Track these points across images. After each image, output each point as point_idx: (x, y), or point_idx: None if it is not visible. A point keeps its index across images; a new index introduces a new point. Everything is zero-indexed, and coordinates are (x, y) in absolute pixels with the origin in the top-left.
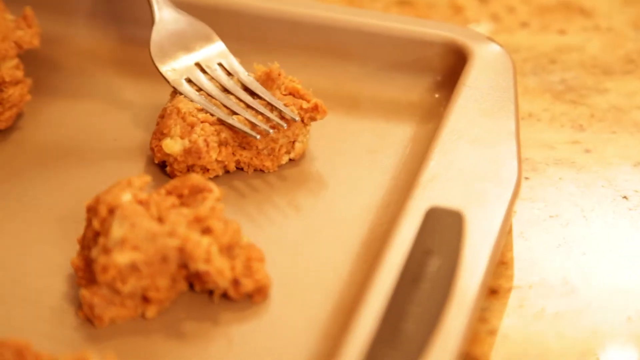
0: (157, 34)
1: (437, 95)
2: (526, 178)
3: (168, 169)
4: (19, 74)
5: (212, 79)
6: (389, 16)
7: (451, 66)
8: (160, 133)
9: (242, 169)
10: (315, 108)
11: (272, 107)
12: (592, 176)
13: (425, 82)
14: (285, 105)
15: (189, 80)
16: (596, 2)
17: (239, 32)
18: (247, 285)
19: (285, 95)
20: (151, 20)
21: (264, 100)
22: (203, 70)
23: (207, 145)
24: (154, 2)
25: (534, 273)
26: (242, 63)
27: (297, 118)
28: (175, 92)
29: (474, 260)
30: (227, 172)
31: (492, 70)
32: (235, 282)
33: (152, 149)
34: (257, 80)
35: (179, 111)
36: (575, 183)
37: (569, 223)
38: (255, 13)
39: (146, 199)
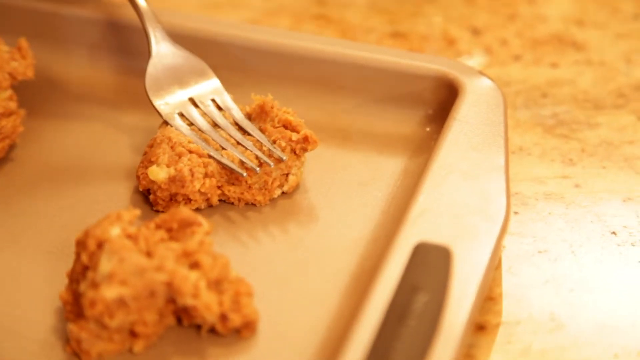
0: (154, 67)
1: (428, 129)
2: (515, 213)
3: (151, 197)
4: (12, 105)
5: (204, 114)
6: (381, 49)
7: (443, 100)
8: (148, 161)
9: (232, 203)
10: (306, 139)
11: (262, 145)
12: (582, 211)
13: (417, 115)
14: (275, 139)
15: (182, 115)
16: (588, 36)
17: (235, 63)
18: (235, 320)
19: (277, 127)
20: (148, 53)
21: (254, 137)
22: (196, 106)
23: (192, 175)
24: (151, 35)
25: (522, 309)
26: (239, 94)
27: (285, 157)
28: (167, 123)
29: (461, 297)
30: (210, 206)
31: (483, 105)
32: (223, 317)
33: (137, 177)
34: (252, 112)
35: (169, 140)
36: (565, 218)
37: (557, 258)
38: (251, 45)
39: (135, 233)
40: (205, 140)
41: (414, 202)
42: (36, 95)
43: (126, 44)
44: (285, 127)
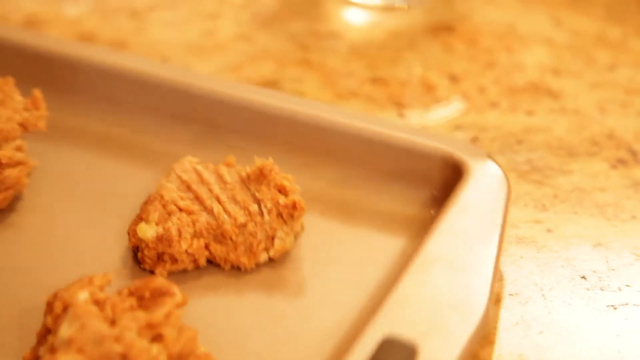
0: None
1: (432, 212)
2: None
3: (139, 254)
4: (20, 156)
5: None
6: (392, 124)
7: (449, 181)
8: (139, 218)
9: (219, 265)
10: (294, 205)
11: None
12: (553, 255)
13: (422, 196)
14: (262, 199)
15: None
16: (564, 85)
17: (242, 126)
18: None
19: (271, 190)
20: None
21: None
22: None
23: (180, 235)
24: None
25: (492, 350)
26: (243, 156)
27: (267, 217)
28: (165, 179)
29: None
30: (197, 267)
31: (486, 191)
32: None
33: (128, 233)
34: (251, 174)
35: (161, 198)
36: (536, 262)
37: (528, 301)
38: (260, 109)
39: (103, 298)
40: (195, 196)
41: (392, 290)
42: (47, 146)
43: (140, 99)
44: (280, 191)
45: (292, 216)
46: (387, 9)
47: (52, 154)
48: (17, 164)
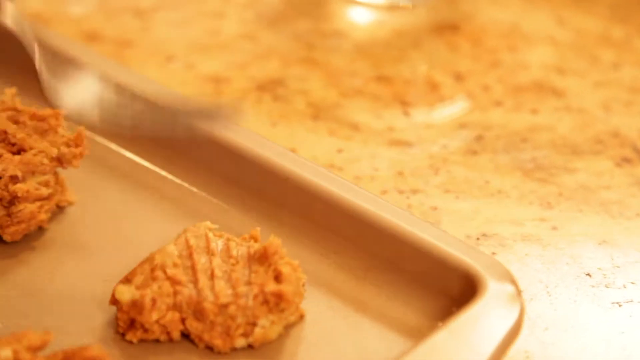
0: None
1: (440, 324)
2: (493, 253)
3: (116, 315)
4: (44, 191)
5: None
6: (425, 226)
7: (462, 297)
8: (125, 278)
9: (194, 342)
10: (280, 296)
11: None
12: (558, 253)
13: (434, 305)
14: (251, 282)
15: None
16: (568, 84)
17: (268, 195)
18: None
19: (268, 274)
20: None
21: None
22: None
23: (153, 305)
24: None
25: None
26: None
27: (250, 302)
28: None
29: None
30: (170, 340)
31: (489, 319)
32: None
33: (114, 289)
34: (256, 253)
35: (152, 261)
36: (541, 259)
37: (533, 298)
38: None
39: (27, 359)
40: (192, 265)
41: None
42: (86, 187)
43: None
44: (276, 277)
45: (278, 306)
46: (392, 8)
47: (96, 189)
48: (37, 199)
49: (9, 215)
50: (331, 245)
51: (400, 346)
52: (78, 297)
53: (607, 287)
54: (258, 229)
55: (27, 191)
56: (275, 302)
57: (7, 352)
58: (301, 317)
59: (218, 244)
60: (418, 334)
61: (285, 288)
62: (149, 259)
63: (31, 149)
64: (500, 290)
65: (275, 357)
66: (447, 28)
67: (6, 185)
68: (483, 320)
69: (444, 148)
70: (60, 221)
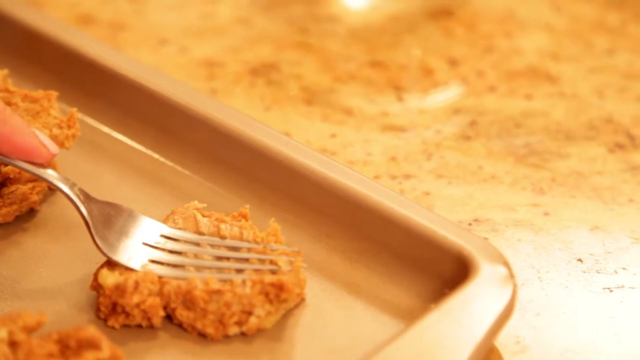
0: (96, 230)
1: (432, 305)
2: (485, 238)
3: (98, 300)
4: None
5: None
6: (420, 210)
7: (455, 280)
8: (108, 262)
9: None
10: (280, 287)
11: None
12: (550, 239)
13: (427, 287)
14: (252, 271)
15: (153, 261)
16: (562, 69)
17: (274, 181)
18: None
19: (265, 263)
20: (83, 220)
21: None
22: (152, 247)
23: (135, 288)
24: (76, 201)
25: None
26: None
27: (247, 290)
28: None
29: None
30: (151, 326)
31: (482, 301)
32: None
33: (94, 275)
34: (254, 239)
35: None
36: (533, 245)
37: (524, 284)
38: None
39: (20, 341)
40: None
41: None
42: (73, 164)
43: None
44: (273, 262)
45: (278, 297)
46: None
47: (87, 171)
48: (29, 180)
49: (1, 196)
50: (324, 228)
51: (393, 328)
52: (68, 279)
53: (598, 272)
54: (247, 206)
55: (19, 172)
56: (276, 294)
57: (3, 332)
58: (303, 300)
59: (208, 226)
60: (411, 316)
61: (286, 279)
62: None
63: None
64: (493, 272)
65: (268, 338)
66: (441, 13)
67: None
68: (476, 302)
69: (437, 133)
70: (51, 203)
